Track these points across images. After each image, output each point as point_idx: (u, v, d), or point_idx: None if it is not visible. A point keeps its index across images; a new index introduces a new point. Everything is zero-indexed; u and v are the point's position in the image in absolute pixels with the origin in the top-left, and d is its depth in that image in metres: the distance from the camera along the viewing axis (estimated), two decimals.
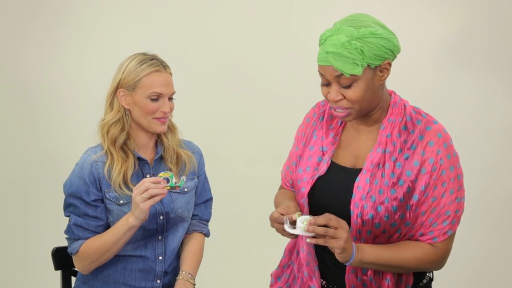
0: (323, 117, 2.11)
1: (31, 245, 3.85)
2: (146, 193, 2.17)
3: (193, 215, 2.49)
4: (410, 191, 1.92)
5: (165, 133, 2.41)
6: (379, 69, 1.92)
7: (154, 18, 3.73)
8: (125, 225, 2.24)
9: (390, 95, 2.04)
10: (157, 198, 2.18)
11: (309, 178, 2.03)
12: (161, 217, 2.36)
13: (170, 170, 2.36)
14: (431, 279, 2.12)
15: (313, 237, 1.86)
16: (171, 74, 2.36)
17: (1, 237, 3.87)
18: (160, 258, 2.37)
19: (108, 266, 2.35)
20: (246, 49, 3.63)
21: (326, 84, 1.94)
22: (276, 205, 2.20)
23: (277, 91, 3.60)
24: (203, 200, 2.51)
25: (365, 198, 1.92)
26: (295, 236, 1.97)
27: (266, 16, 3.66)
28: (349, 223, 1.92)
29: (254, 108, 3.64)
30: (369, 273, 1.98)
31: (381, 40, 1.88)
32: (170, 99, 2.35)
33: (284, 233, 1.94)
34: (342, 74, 1.88)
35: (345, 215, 1.93)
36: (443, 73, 3.63)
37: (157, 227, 2.36)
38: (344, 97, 1.91)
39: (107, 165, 2.30)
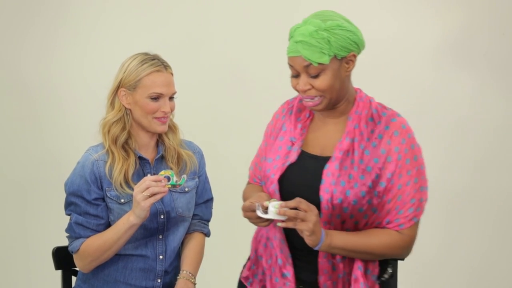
0: (291, 111, 2.19)
1: (32, 245, 3.85)
2: (147, 191, 2.17)
3: (194, 215, 2.49)
4: (378, 177, 2.01)
5: (166, 133, 2.41)
6: (345, 60, 2.01)
7: (155, 18, 3.73)
8: (126, 223, 2.24)
9: (356, 91, 2.13)
10: (158, 197, 2.18)
11: (280, 165, 2.10)
12: (162, 216, 2.36)
13: (171, 169, 2.36)
14: (392, 275, 2.17)
15: (283, 221, 1.94)
16: (172, 74, 2.36)
17: (1, 236, 3.87)
18: (161, 257, 2.37)
19: (109, 265, 2.35)
20: (247, 49, 3.64)
21: (295, 75, 2.04)
22: (245, 199, 2.26)
23: (277, 91, 3.57)
24: (203, 200, 2.51)
25: (335, 183, 2.00)
26: (268, 223, 2.03)
27: (269, 16, 3.68)
28: (318, 208, 1.99)
29: (255, 108, 3.64)
30: (337, 256, 2.05)
31: (346, 33, 1.98)
32: (171, 98, 2.35)
33: (256, 220, 2.02)
34: (310, 64, 1.97)
35: (315, 200, 2.00)
36: (443, 72, 3.63)
37: (158, 226, 2.36)
38: (313, 87, 2.01)
39: (108, 164, 2.31)
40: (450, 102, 3.66)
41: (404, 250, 2.07)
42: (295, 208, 1.94)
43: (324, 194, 2.01)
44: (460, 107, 3.66)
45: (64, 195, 2.37)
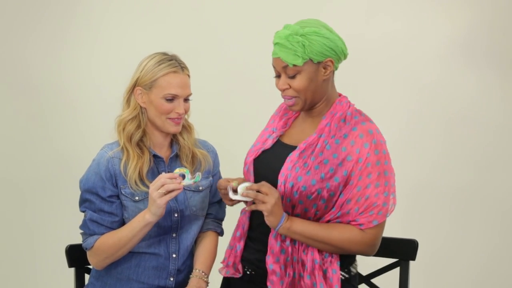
0: (282, 108, 2.37)
1: (45, 243, 3.85)
2: (162, 188, 2.18)
3: (208, 213, 2.50)
4: (333, 171, 2.13)
5: (181, 132, 2.42)
6: (322, 65, 2.15)
7: (165, 17, 3.75)
8: (142, 221, 2.25)
9: (339, 96, 2.27)
10: (173, 194, 2.20)
11: (256, 150, 2.29)
12: (176, 215, 2.37)
13: (186, 167, 2.37)
14: (355, 275, 2.29)
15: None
16: (188, 76, 2.37)
17: (15, 235, 3.88)
18: (174, 256, 2.38)
19: (122, 263, 2.36)
20: (257, 48, 3.61)
21: (278, 75, 2.20)
22: None
23: None
24: (217, 199, 2.51)
25: (291, 168, 2.16)
26: (232, 203, 2.22)
27: (278, 14, 3.66)
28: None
29: (267, 107, 3.65)
30: (288, 239, 2.17)
31: (323, 39, 2.12)
32: (186, 100, 2.36)
33: (225, 197, 2.21)
34: (287, 65, 2.14)
35: (276, 183, 2.17)
36: (451, 71, 3.69)
37: (172, 224, 2.37)
38: (290, 87, 2.16)
39: (123, 161, 2.32)
40: (458, 100, 3.69)
41: (367, 247, 2.16)
42: (258, 191, 2.11)
43: (280, 177, 2.17)
44: (468, 105, 3.69)
45: (77, 193, 2.38)
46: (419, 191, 3.79)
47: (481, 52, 3.64)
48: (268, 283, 2.18)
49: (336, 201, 2.14)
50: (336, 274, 2.16)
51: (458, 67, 3.67)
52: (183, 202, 2.39)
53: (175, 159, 2.42)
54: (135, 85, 2.35)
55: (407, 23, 3.71)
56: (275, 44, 2.15)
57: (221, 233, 2.54)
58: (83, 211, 2.36)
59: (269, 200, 2.08)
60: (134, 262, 2.36)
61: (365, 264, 2.84)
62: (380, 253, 2.56)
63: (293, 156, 2.18)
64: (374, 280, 2.72)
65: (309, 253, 2.16)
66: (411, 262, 2.63)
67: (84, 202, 2.35)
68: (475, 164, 3.74)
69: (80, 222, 2.37)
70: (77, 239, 2.42)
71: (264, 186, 2.11)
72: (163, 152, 2.41)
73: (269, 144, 2.28)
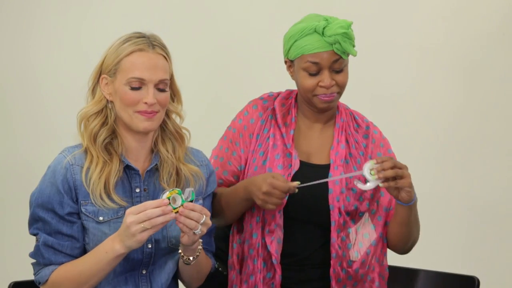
0: (272, 116, 2.20)
1: None
2: (148, 223, 1.79)
3: None
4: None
5: (165, 142, 2.00)
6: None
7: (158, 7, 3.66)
8: (110, 252, 1.85)
9: None
10: (159, 227, 1.81)
11: (286, 175, 2.12)
12: (150, 246, 1.96)
13: (164, 190, 1.96)
14: None
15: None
16: (164, 56, 1.96)
17: None
18: None
19: None
20: (254, 44, 3.56)
21: (315, 73, 2.09)
22: (232, 198, 2.13)
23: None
24: (208, 230, 2.00)
25: (345, 191, 2.12)
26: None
27: (276, 6, 3.64)
28: (328, 216, 2.11)
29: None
30: (354, 266, 2.13)
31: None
32: (162, 90, 1.94)
33: (281, 198, 2.03)
34: (339, 58, 2.08)
35: (323, 209, 2.11)
36: (449, 76, 3.63)
37: (143, 258, 1.96)
38: (336, 82, 2.10)
39: (85, 167, 1.93)
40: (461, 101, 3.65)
41: None
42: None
43: (335, 202, 2.11)
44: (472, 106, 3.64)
45: (25, 213, 2.00)
46: (482, 222, 3.68)
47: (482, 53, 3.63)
48: None
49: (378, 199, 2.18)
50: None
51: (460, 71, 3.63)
52: (160, 231, 1.92)
53: (154, 173, 2.00)
54: (99, 72, 1.97)
55: (405, 27, 3.68)
56: (337, 34, 2.06)
57: (213, 266, 2.12)
58: (35, 234, 1.97)
59: (408, 173, 2.01)
60: None
61: None
62: None
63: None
64: None
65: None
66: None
67: (36, 222, 1.95)
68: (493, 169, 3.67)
69: (31, 248, 1.97)
70: (25, 275, 2.18)
71: (396, 161, 2.01)
72: (140, 162, 1.99)
73: (297, 165, 2.13)
